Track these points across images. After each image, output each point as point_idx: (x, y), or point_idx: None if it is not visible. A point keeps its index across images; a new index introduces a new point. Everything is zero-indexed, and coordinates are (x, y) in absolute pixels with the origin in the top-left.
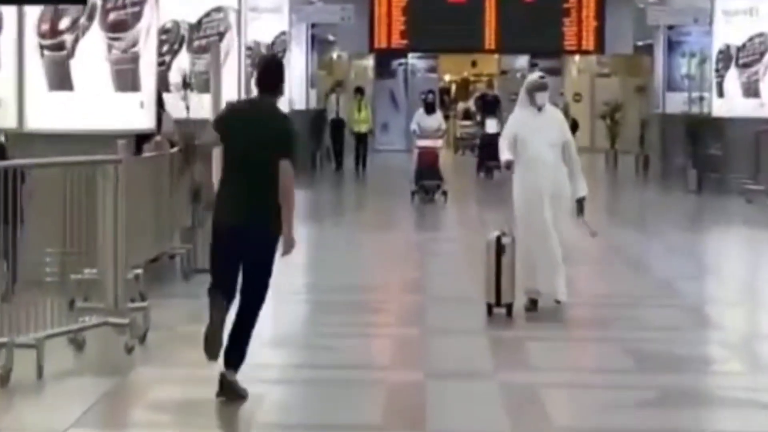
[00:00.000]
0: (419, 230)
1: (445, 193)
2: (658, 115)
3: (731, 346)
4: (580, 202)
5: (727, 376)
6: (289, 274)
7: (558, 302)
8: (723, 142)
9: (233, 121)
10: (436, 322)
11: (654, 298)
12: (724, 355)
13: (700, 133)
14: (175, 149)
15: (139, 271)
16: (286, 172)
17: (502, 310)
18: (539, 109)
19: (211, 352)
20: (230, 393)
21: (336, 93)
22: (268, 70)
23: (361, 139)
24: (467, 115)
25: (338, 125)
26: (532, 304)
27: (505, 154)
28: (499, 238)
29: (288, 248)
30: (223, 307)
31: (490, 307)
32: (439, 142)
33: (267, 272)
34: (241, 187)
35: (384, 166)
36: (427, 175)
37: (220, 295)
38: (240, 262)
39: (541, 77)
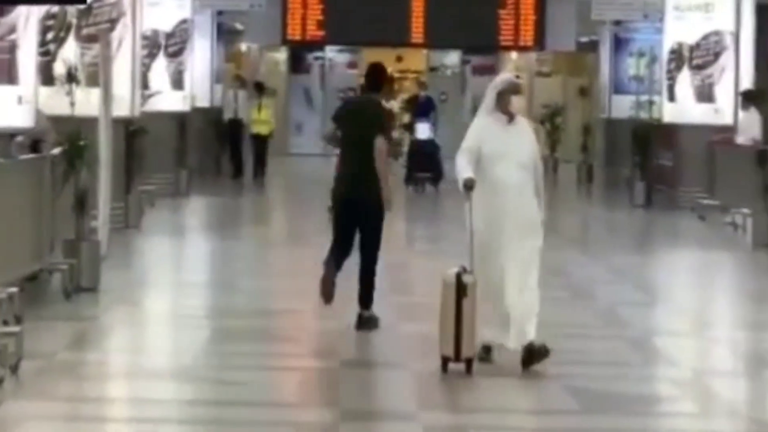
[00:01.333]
0: None
1: None
2: (602, 120)
3: (683, 383)
4: None
5: (679, 418)
6: (187, 296)
7: (530, 348)
8: (674, 152)
9: (349, 114)
10: (354, 353)
11: (598, 328)
12: (676, 394)
13: (649, 140)
14: (56, 151)
15: (14, 289)
16: (380, 143)
17: (461, 366)
18: (510, 118)
19: (326, 297)
20: (367, 325)
21: (234, 89)
22: (372, 74)
23: (261, 143)
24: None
25: (235, 126)
26: (486, 353)
27: (464, 172)
28: (459, 276)
29: (389, 206)
30: (338, 264)
31: (445, 362)
32: None
33: (379, 231)
34: (354, 167)
35: (297, 173)
36: None
37: (338, 252)
38: (357, 226)
39: (516, 76)
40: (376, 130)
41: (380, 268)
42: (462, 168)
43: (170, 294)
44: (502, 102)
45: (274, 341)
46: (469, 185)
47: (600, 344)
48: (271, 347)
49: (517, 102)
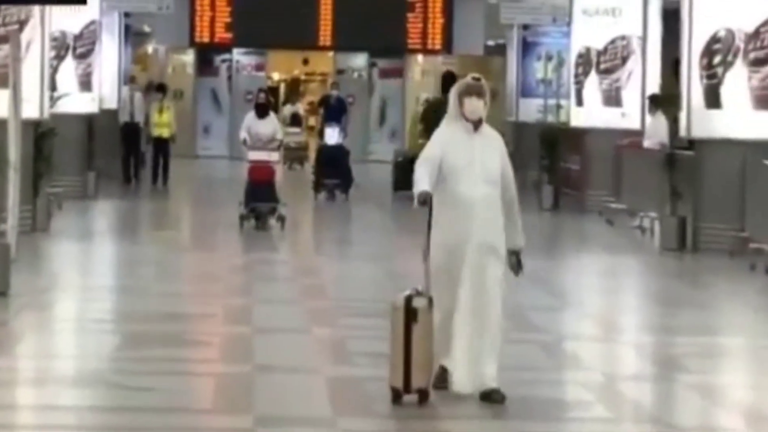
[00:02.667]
0: (245, 264)
1: (281, 219)
2: (510, 124)
3: (596, 388)
4: (517, 256)
5: (593, 423)
6: (97, 300)
7: (487, 395)
8: (581, 156)
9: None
10: (267, 358)
11: (508, 332)
12: (589, 399)
13: (557, 144)
14: None
15: None
16: None
17: (414, 398)
18: (476, 126)
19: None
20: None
21: (131, 91)
22: (445, 79)
23: (163, 146)
24: (296, 120)
25: (129, 130)
26: (442, 380)
27: (421, 184)
28: (409, 300)
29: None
30: None
31: (396, 394)
32: (274, 155)
33: None
34: None
35: (204, 175)
36: (260, 196)
37: None
38: None
39: (476, 78)
40: None
41: (292, 274)
42: (418, 179)
43: (80, 298)
44: (461, 106)
45: (184, 346)
46: (422, 200)
47: (511, 348)
48: (182, 352)
49: (479, 107)
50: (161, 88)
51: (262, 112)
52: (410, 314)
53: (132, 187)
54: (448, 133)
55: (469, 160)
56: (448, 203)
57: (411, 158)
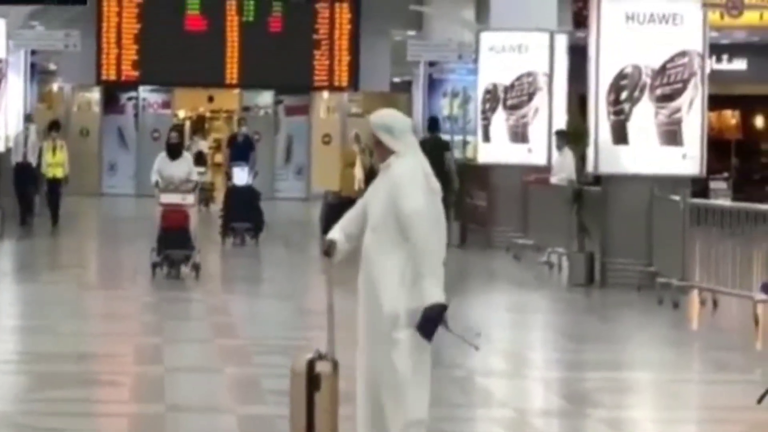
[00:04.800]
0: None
1: (196, 267)
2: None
3: (510, 424)
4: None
5: None
6: (3, 341)
7: None
8: (488, 191)
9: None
10: (180, 397)
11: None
12: None
13: (464, 181)
14: None
15: None
16: None
17: None
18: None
19: None
20: None
21: (26, 130)
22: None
23: (55, 187)
24: (200, 158)
25: (22, 171)
26: None
27: (333, 231)
28: (311, 364)
29: None
30: None
31: None
32: (189, 197)
33: None
34: None
35: (110, 213)
36: (174, 242)
37: None
38: None
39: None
40: None
41: (203, 313)
42: (335, 227)
43: None
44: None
45: (96, 386)
46: (327, 249)
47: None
48: (93, 392)
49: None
50: (54, 126)
51: (174, 152)
52: (313, 382)
53: (30, 228)
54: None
55: (371, 208)
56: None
57: (346, 201)
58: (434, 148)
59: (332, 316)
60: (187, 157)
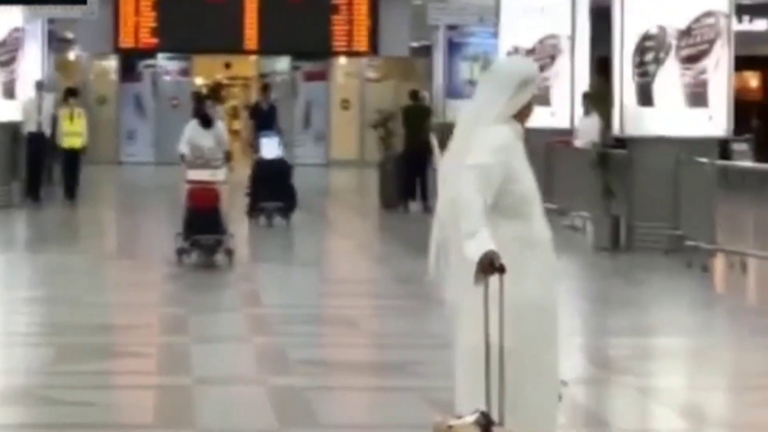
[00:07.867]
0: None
1: (229, 252)
2: (437, 125)
3: None
4: None
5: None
6: (27, 313)
7: None
8: None
9: None
10: (206, 368)
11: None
12: None
13: None
14: None
15: None
16: None
17: None
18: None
19: None
20: None
21: (37, 99)
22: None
23: (73, 158)
24: None
25: (35, 141)
26: None
27: (482, 242)
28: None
29: None
30: None
31: None
32: (219, 174)
33: None
34: None
35: (129, 182)
36: (203, 226)
37: None
38: None
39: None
40: None
41: (232, 282)
42: (475, 225)
43: (9, 311)
44: (526, 109)
45: (120, 358)
46: (498, 265)
47: None
48: (118, 364)
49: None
50: (72, 93)
51: (208, 121)
52: None
53: (41, 203)
54: (508, 138)
55: (528, 171)
56: (528, 238)
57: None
58: (416, 116)
59: (490, 352)
60: (220, 126)
